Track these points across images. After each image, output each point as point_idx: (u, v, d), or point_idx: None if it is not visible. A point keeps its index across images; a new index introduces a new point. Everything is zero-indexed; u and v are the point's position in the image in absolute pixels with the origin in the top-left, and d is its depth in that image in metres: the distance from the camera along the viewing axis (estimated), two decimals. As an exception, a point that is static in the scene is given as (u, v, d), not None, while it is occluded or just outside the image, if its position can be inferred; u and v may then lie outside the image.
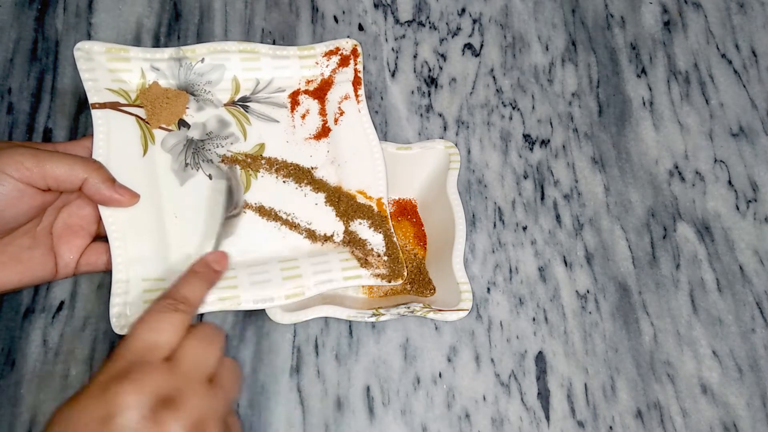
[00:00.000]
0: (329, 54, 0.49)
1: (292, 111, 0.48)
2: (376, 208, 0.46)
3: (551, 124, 0.53)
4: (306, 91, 0.49)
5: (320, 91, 0.49)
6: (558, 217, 0.51)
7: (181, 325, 0.33)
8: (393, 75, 0.54)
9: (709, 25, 0.58)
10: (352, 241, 0.45)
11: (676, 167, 0.53)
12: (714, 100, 0.55)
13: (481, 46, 0.56)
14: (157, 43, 0.52)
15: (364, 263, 0.44)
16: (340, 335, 0.46)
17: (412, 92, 0.54)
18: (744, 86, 0.56)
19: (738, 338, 0.48)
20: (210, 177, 0.45)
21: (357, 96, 0.49)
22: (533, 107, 0.54)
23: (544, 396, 0.46)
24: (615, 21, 0.57)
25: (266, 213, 0.45)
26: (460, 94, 0.54)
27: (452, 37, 0.56)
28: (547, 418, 0.45)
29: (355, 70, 0.49)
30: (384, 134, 0.52)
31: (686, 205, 0.52)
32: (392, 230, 0.46)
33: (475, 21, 0.56)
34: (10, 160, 0.36)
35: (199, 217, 0.44)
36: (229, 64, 0.47)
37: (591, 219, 0.51)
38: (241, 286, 0.41)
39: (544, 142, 0.53)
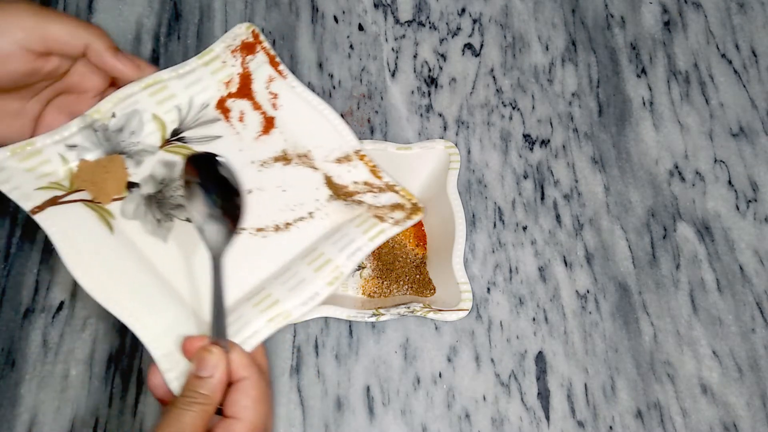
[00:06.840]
0: (233, 48, 0.46)
1: (227, 120, 0.45)
2: (365, 167, 0.45)
3: (551, 124, 0.53)
4: (230, 95, 0.46)
5: (244, 88, 0.46)
6: (558, 217, 0.51)
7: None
8: (393, 75, 0.54)
9: (709, 25, 0.58)
10: (354, 201, 0.43)
11: (676, 167, 0.53)
12: (714, 100, 0.55)
13: (481, 46, 0.56)
14: (157, 43, 0.52)
15: (379, 218, 0.42)
16: (340, 335, 0.46)
17: (412, 92, 0.53)
18: (744, 86, 0.56)
19: (738, 338, 0.48)
20: (188, 220, 0.42)
21: (281, 73, 0.46)
22: (533, 107, 0.54)
23: (544, 396, 0.46)
24: (615, 21, 0.57)
25: (263, 227, 0.43)
26: (460, 94, 0.54)
27: (452, 37, 0.56)
28: (547, 418, 0.45)
29: (264, 50, 0.46)
30: (384, 134, 0.52)
31: (686, 205, 0.52)
32: (384, 173, 0.45)
33: (475, 21, 0.56)
34: (9, 17, 0.34)
35: (198, 259, 0.41)
36: (141, 106, 0.43)
37: (591, 219, 0.51)
38: (282, 299, 0.39)
39: (544, 142, 0.53)
